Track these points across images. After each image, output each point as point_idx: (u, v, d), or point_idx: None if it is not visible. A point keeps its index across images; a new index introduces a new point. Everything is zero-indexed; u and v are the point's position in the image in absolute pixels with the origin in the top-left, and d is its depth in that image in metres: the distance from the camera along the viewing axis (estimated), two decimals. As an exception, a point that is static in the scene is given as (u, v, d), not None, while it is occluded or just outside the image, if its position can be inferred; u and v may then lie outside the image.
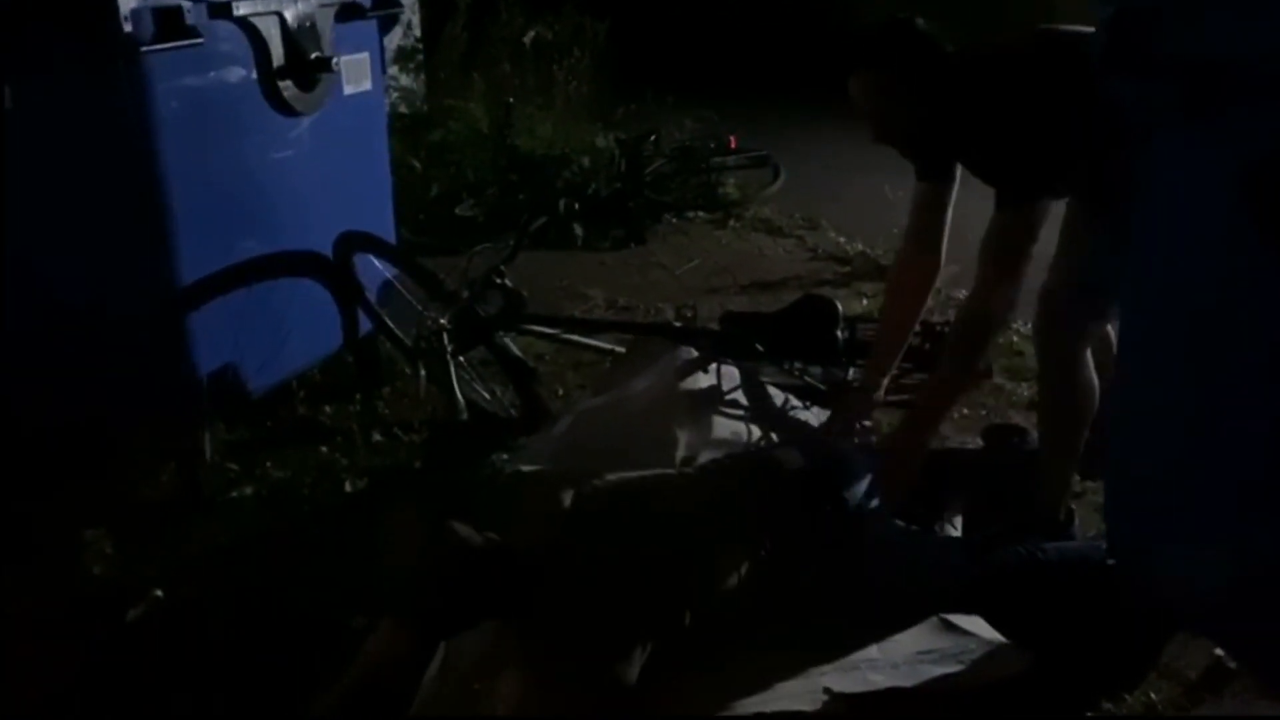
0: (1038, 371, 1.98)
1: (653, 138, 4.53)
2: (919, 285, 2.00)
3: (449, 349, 2.25)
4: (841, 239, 4.14)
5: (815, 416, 2.11)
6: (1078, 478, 2.00)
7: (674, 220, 4.39)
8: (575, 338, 2.55)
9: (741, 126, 5.07)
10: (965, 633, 1.55)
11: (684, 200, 4.43)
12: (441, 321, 2.28)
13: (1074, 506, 1.96)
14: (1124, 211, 1.43)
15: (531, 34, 5.31)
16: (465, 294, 2.30)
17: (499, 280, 2.24)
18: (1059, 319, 1.86)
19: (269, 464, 2.31)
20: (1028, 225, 1.73)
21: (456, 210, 4.28)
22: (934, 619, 1.57)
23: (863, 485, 1.62)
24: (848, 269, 3.83)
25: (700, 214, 4.43)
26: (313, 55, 2.32)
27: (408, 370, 2.71)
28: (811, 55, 7.58)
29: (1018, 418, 2.57)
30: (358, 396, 2.60)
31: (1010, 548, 1.77)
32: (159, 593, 1.85)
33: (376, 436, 2.45)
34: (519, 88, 5.21)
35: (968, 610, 1.59)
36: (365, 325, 2.65)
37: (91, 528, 2.01)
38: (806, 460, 1.60)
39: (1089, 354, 1.90)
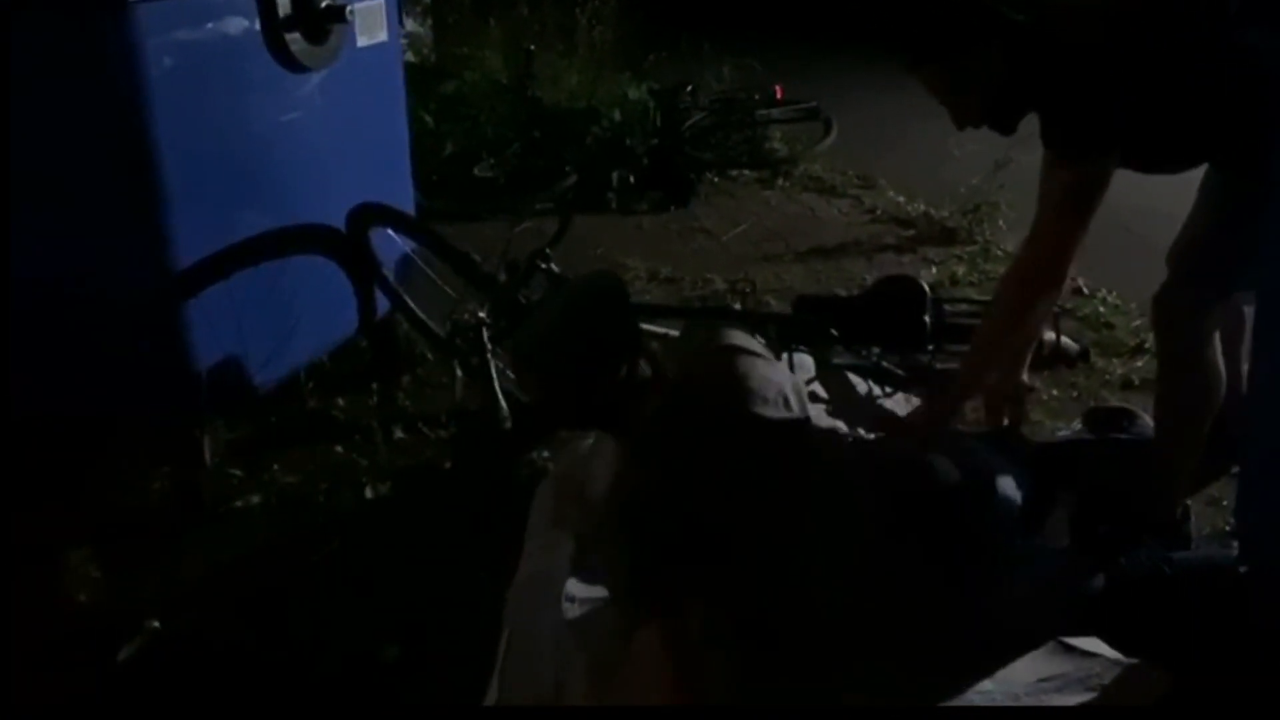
0: (1157, 355, 1.93)
1: (689, 88, 4.45)
2: (1043, 295, 1.83)
3: (489, 345, 2.13)
4: (901, 199, 4.06)
5: (900, 404, 2.05)
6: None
7: (716, 179, 4.31)
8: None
9: (787, 75, 4.98)
10: (1087, 654, 1.50)
11: (727, 157, 4.37)
12: (481, 315, 2.17)
13: (1189, 501, 1.91)
14: (1262, 179, 1.28)
15: None
16: (504, 279, 2.21)
17: (544, 265, 2.12)
18: (1183, 298, 1.78)
19: (277, 467, 2.26)
20: (1097, 182, 1.65)
21: (475, 171, 4.22)
22: (1050, 642, 1.52)
23: (1012, 507, 1.57)
24: (911, 233, 3.75)
25: (745, 172, 4.37)
26: (323, 3, 2.25)
27: (430, 356, 2.64)
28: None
29: (1113, 398, 2.51)
30: (374, 387, 2.54)
31: (1132, 558, 1.70)
32: (155, 624, 1.76)
33: (399, 433, 2.39)
34: (538, 34, 5.07)
35: (1088, 631, 1.53)
36: (381, 307, 2.58)
37: (75, 547, 1.92)
38: (962, 474, 1.54)
39: (1216, 336, 1.83)
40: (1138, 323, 2.88)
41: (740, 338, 1.51)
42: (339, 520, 2.09)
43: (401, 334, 2.68)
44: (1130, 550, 1.73)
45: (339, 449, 2.32)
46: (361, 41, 2.43)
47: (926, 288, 2.12)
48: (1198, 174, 1.82)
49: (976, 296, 2.78)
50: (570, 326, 1.40)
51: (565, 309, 1.43)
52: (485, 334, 2.18)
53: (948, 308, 2.19)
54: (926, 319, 2.09)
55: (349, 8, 2.27)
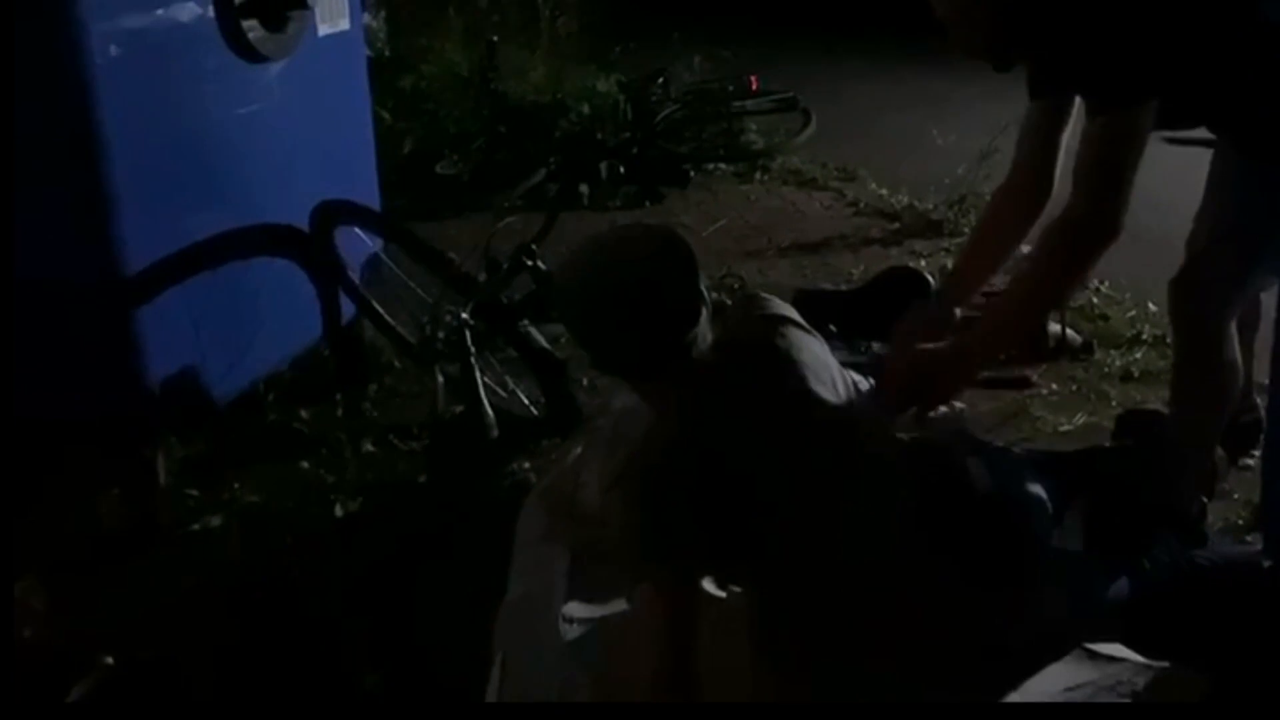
0: (1174, 344, 1.93)
1: (661, 80, 4.49)
2: (1023, 213, 1.87)
3: (472, 349, 2.09)
4: (884, 191, 4.09)
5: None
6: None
7: (693, 173, 4.31)
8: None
9: (760, 65, 5.00)
10: (1113, 659, 1.49)
11: (702, 151, 4.39)
12: (464, 316, 2.12)
13: (1206, 499, 1.94)
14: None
15: None
16: (485, 278, 2.17)
17: (530, 262, 2.08)
18: (1200, 286, 1.78)
19: (238, 486, 2.21)
20: (1131, 132, 1.62)
21: (437, 168, 4.21)
22: (1075, 649, 1.51)
23: (1045, 513, 1.56)
24: (896, 225, 3.77)
25: (722, 166, 4.39)
26: None
27: (398, 363, 2.59)
28: None
29: (1113, 391, 2.54)
30: (339, 397, 2.49)
31: (1153, 558, 1.68)
32: (109, 660, 1.68)
33: (368, 446, 2.35)
34: (499, 25, 5.05)
35: (1114, 637, 1.52)
36: (347, 311, 2.54)
37: (18, 577, 1.82)
38: (995, 483, 1.53)
39: (1233, 327, 1.83)
40: (1133, 313, 2.92)
41: (787, 308, 1.48)
42: (309, 540, 2.03)
43: (368, 340, 2.63)
44: (1149, 550, 1.70)
45: (304, 464, 2.27)
46: (323, 30, 2.39)
47: (930, 278, 2.11)
48: (1191, 156, 1.82)
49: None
50: (639, 280, 1.31)
51: (631, 260, 1.34)
52: (468, 337, 2.13)
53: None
54: None
55: (310, -8, 2.23)
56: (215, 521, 2.09)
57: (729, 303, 1.73)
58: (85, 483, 2.11)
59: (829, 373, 1.44)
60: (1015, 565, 1.46)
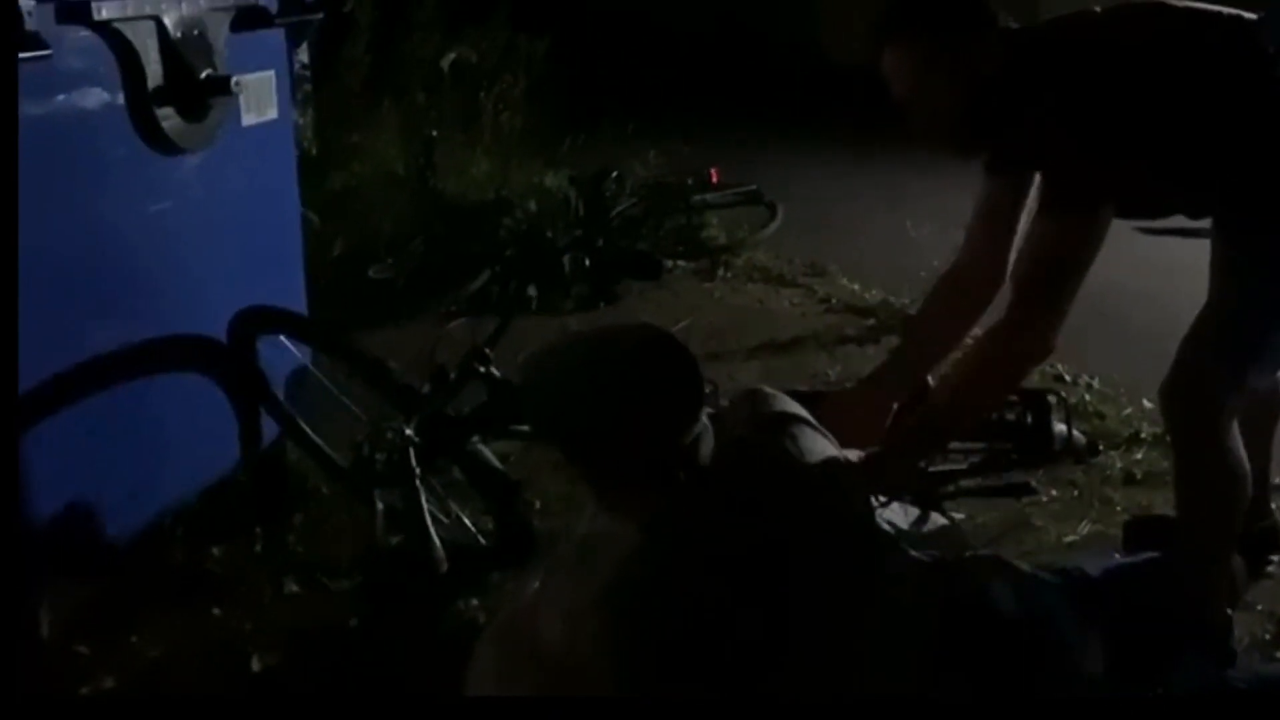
0: (1173, 450, 1.95)
1: (614, 174, 4.57)
2: (971, 302, 1.96)
3: (417, 470, 2.02)
4: (856, 286, 4.16)
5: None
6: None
7: (639, 278, 4.33)
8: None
9: (719, 157, 5.13)
10: None
11: (661, 247, 4.44)
12: (407, 431, 2.05)
13: (1230, 611, 1.94)
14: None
15: (452, 56, 5.33)
16: (430, 389, 2.13)
17: (484, 369, 2.03)
18: (1200, 386, 1.80)
19: (136, 639, 2.10)
20: (1089, 238, 1.69)
21: (370, 273, 4.19)
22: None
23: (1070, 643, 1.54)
24: (870, 322, 3.83)
25: (681, 263, 4.44)
26: (203, 74, 2.20)
27: (325, 490, 2.53)
28: (793, 72, 7.76)
29: (1117, 495, 2.57)
30: (258, 531, 2.42)
31: (1181, 681, 1.70)
32: None
33: (291, 586, 2.27)
34: (437, 120, 5.14)
35: None
36: (269, 432, 2.49)
37: None
38: (1019, 607, 1.52)
39: (1236, 426, 1.86)
40: (1129, 410, 2.96)
41: (794, 405, 1.45)
42: (220, 704, 1.93)
43: (293, 465, 2.57)
44: (1176, 671, 1.70)
45: (216, 611, 2.18)
46: (248, 119, 2.39)
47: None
48: (1173, 247, 1.87)
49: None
50: (635, 378, 1.28)
51: (622, 357, 1.31)
52: (412, 455, 2.06)
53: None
54: None
55: (235, 79, 2.22)
56: (108, 682, 1.98)
57: (725, 403, 1.70)
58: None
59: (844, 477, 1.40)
60: (1041, 691, 1.42)
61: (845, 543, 1.33)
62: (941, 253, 3.74)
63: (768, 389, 1.54)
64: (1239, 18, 1.74)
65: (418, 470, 2.05)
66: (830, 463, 1.40)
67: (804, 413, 1.45)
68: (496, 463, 2.18)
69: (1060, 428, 2.29)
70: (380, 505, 2.19)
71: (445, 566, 2.03)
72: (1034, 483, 2.52)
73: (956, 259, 1.99)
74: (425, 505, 2.06)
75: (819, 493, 1.34)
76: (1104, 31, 1.77)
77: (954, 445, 2.12)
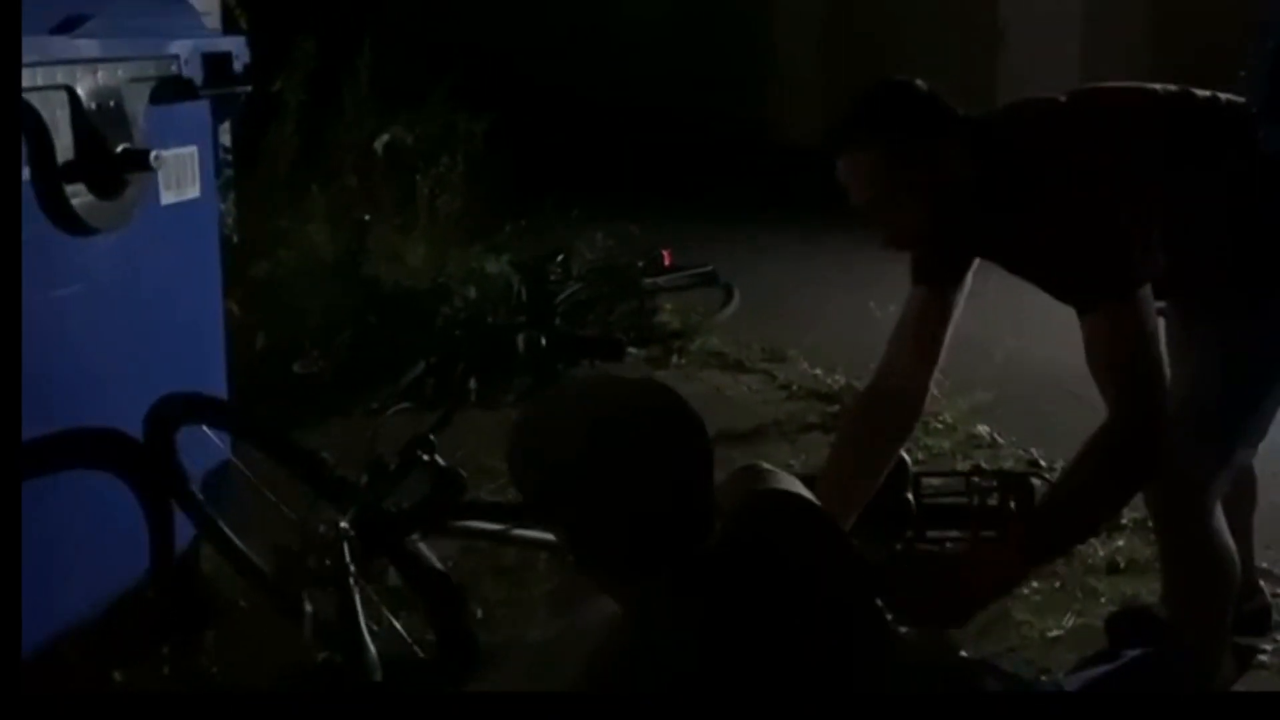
0: (1159, 539, 1.99)
1: (560, 258, 4.63)
2: (891, 429, 1.91)
3: (351, 570, 1.97)
4: (818, 371, 4.20)
5: None
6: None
7: (598, 361, 4.29)
8: (519, 531, 2.40)
9: (670, 239, 5.21)
10: None
11: (610, 333, 4.46)
12: (343, 525, 2.00)
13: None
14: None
15: (386, 137, 5.34)
16: (368, 479, 2.08)
17: (427, 457, 2.01)
18: (1184, 472, 1.82)
19: None
20: (1136, 322, 1.67)
21: (295, 367, 4.17)
22: None
23: None
24: (835, 408, 3.85)
25: (633, 350, 4.43)
26: (119, 148, 2.18)
27: (243, 602, 2.46)
28: (746, 151, 7.94)
29: (1100, 584, 2.58)
30: (166, 651, 2.34)
31: None
32: None
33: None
34: (371, 204, 5.16)
35: None
36: (182, 536, 2.42)
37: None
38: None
39: (1219, 509, 1.88)
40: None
41: (796, 483, 1.43)
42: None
43: (208, 572, 2.50)
44: None
45: None
46: (168, 197, 2.38)
47: (908, 459, 2.11)
48: None
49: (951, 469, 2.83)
50: (642, 448, 1.24)
51: (627, 423, 1.26)
52: (347, 553, 2.01)
53: (930, 484, 2.18)
54: (910, 498, 2.08)
55: (154, 154, 2.21)
56: None
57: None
58: None
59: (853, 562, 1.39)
60: None
61: (844, 634, 1.31)
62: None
63: (765, 465, 1.51)
64: (1194, 94, 1.83)
65: (352, 568, 2.00)
66: (836, 550, 1.38)
67: (805, 490, 1.43)
68: (438, 564, 2.14)
69: None
70: (309, 610, 2.12)
71: (379, 676, 1.96)
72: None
73: (873, 383, 1.94)
74: (359, 609, 2.01)
75: (823, 581, 1.31)
76: (1086, 121, 1.81)
77: (933, 533, 2.13)
